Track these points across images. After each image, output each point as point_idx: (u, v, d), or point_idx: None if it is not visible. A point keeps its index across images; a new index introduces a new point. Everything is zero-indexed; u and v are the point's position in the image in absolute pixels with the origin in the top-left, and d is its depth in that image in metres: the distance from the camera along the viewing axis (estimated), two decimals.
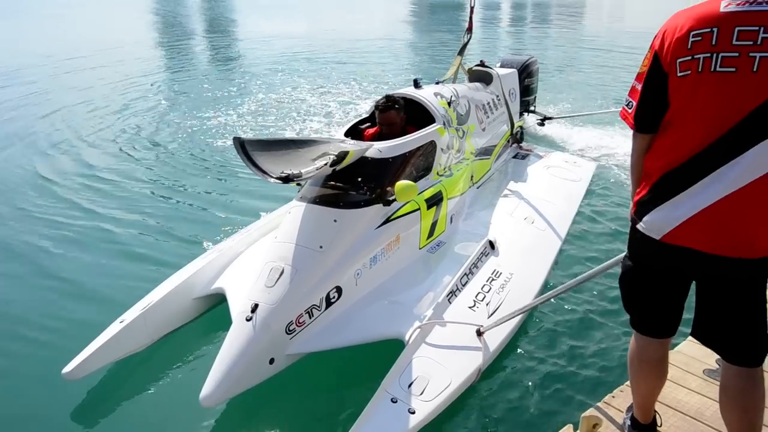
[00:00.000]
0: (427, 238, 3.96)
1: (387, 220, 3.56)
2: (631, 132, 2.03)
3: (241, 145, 2.81)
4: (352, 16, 27.05)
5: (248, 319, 2.92)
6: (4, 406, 3.19)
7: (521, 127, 6.81)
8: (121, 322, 3.29)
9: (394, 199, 3.52)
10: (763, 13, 1.66)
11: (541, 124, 7.61)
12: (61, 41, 19.16)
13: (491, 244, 4.03)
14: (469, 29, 6.27)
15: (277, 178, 2.91)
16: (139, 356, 3.37)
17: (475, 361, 3.02)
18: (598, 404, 2.71)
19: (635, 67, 1.99)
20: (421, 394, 2.73)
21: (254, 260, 3.56)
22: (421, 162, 4.03)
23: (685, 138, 1.81)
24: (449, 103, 4.81)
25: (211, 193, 6.09)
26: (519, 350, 3.46)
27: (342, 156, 3.29)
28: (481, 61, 6.28)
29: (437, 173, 4.20)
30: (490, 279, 3.67)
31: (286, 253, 3.20)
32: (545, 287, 3.87)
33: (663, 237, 1.89)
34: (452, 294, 3.43)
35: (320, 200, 3.45)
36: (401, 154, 3.81)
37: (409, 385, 2.76)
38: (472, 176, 4.95)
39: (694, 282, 2.01)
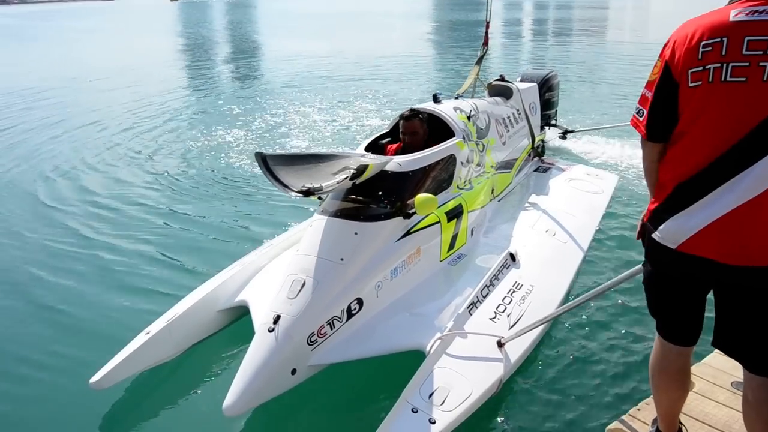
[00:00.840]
0: (448, 250, 3.97)
1: (407, 233, 3.58)
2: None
3: (263, 159, 2.87)
4: (377, 35, 27.36)
5: (270, 330, 2.96)
6: (31, 414, 3.28)
7: (542, 140, 6.81)
8: (147, 333, 3.36)
9: (415, 212, 3.55)
10: None
11: (563, 138, 7.59)
12: (85, 64, 19.79)
13: (512, 257, 4.02)
14: (485, 43, 6.41)
15: (298, 192, 2.96)
16: (165, 367, 3.44)
17: (496, 372, 3.00)
18: (623, 417, 2.69)
19: None
20: (442, 404, 2.72)
21: (277, 273, 3.60)
22: (441, 175, 4.05)
23: (697, 148, 1.82)
24: (469, 117, 4.84)
25: (233, 218, 6.03)
26: (540, 362, 3.44)
27: (362, 170, 3.34)
28: (501, 75, 6.31)
29: (457, 186, 4.22)
30: (511, 291, 3.66)
31: (307, 266, 3.24)
32: (567, 299, 3.84)
33: (679, 246, 1.89)
34: (473, 305, 3.43)
35: (341, 214, 3.49)
36: (421, 168, 3.84)
37: (430, 396, 2.76)
38: (492, 189, 4.95)
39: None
